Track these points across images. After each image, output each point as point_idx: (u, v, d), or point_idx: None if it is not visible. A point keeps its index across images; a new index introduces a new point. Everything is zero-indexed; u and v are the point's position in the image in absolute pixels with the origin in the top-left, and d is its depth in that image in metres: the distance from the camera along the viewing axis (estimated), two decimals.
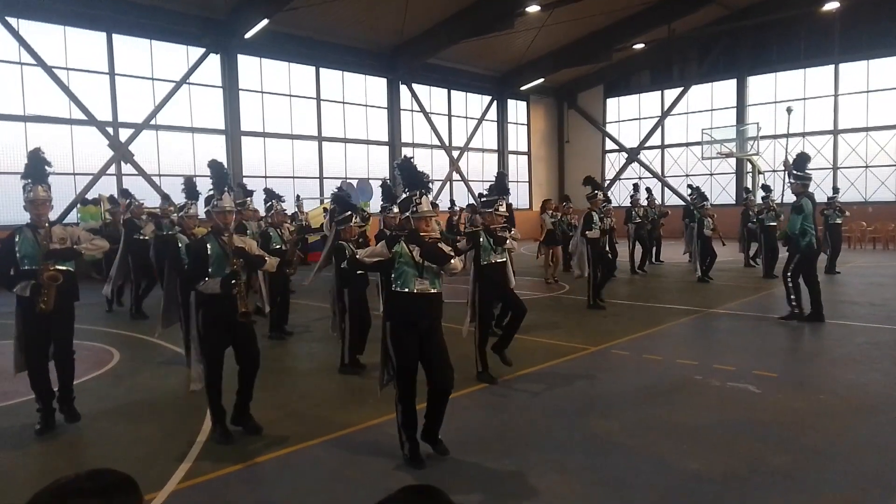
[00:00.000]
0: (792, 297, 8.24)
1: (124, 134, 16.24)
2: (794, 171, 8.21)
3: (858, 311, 8.36)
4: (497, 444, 4.43)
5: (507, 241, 5.99)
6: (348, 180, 18.34)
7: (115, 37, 15.99)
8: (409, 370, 4.08)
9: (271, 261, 4.90)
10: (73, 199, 15.07)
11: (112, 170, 16.10)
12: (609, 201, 10.60)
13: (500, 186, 6.20)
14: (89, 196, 14.79)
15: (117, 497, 1.09)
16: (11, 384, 5.98)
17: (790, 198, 8.26)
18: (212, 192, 4.71)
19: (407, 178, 4.36)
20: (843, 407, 5.02)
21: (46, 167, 4.86)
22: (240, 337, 4.56)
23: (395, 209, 7.09)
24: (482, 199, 6.31)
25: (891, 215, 20.21)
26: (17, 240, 4.74)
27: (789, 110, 11.46)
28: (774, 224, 12.85)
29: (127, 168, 16.29)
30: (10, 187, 12.96)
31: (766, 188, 13.81)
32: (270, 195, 8.56)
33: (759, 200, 14.04)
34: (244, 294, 4.40)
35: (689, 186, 13.68)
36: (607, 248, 9.93)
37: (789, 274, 8.26)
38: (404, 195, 4.36)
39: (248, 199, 9.37)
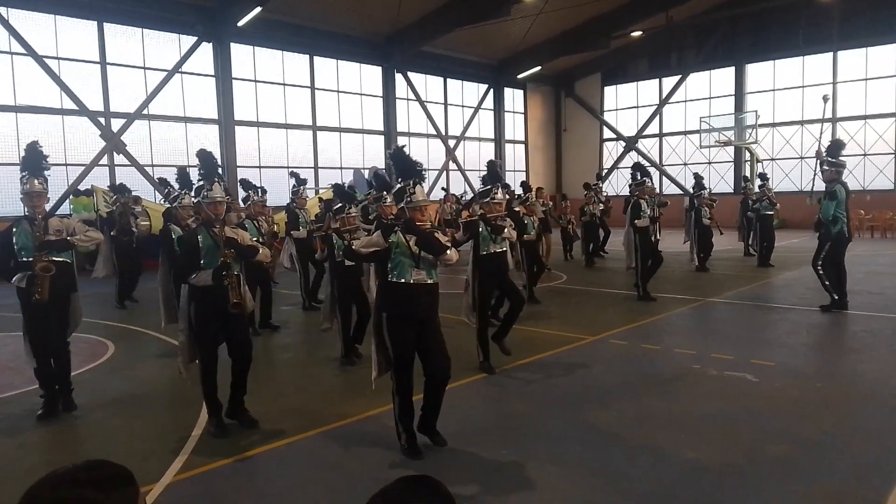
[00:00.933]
0: (827, 283, 8.08)
1: (116, 124, 16.05)
2: (828, 158, 8.12)
3: (856, 300, 8.36)
4: (495, 434, 4.43)
5: (506, 231, 5.95)
6: (366, 168, 18.17)
7: (106, 25, 15.79)
8: (407, 362, 4.06)
9: (264, 251, 4.86)
10: (66, 190, 14.94)
11: (104, 160, 15.93)
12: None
13: (492, 175, 6.16)
14: (81, 187, 14.64)
15: (113, 489, 1.08)
16: (6, 377, 5.96)
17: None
18: (202, 183, 4.66)
19: (400, 167, 4.30)
20: (839, 396, 5.02)
21: (43, 160, 4.92)
22: (232, 329, 4.53)
23: (389, 199, 7.05)
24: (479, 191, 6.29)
25: (889, 203, 20.17)
26: (14, 231, 4.82)
27: (825, 98, 11.31)
28: (771, 213, 12.85)
29: (119, 159, 16.12)
30: (1, 178, 12.86)
31: (762, 176, 13.79)
32: (247, 186, 8.46)
33: (756, 189, 14.02)
34: (236, 285, 4.35)
35: (696, 175, 13.62)
36: (657, 237, 9.83)
37: (820, 263, 8.11)
38: (398, 185, 4.31)
39: (302, 187, 9.23)
